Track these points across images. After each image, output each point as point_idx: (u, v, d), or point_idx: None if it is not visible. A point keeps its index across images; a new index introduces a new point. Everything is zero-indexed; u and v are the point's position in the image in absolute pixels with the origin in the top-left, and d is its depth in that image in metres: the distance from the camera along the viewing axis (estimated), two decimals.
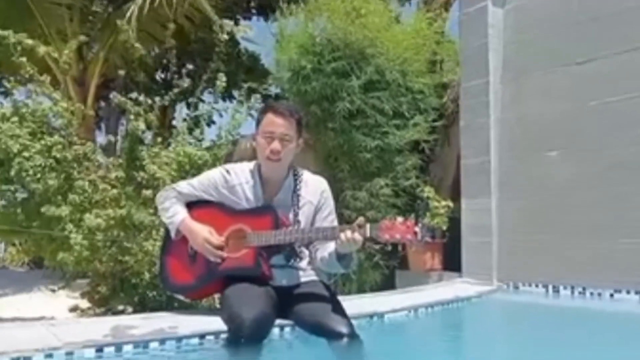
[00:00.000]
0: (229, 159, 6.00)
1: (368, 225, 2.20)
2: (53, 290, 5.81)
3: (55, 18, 7.66)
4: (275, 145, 2.42)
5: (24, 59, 5.08)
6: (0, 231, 5.13)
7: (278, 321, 2.37)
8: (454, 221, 4.78)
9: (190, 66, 11.21)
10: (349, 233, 2.18)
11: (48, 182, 4.75)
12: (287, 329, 2.38)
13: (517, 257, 4.39)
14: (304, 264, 2.53)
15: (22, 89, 5.44)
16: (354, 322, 2.53)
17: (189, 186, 2.58)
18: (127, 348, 1.97)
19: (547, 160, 4.32)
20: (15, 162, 4.71)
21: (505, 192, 4.54)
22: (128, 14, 7.01)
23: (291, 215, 2.48)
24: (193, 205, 2.56)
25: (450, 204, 4.80)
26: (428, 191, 4.85)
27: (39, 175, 4.78)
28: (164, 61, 11.60)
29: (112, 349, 1.93)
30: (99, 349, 1.90)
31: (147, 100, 5.62)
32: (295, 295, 2.43)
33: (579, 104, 4.18)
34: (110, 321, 2.37)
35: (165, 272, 2.60)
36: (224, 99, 11.80)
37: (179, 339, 2.10)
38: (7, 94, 8.68)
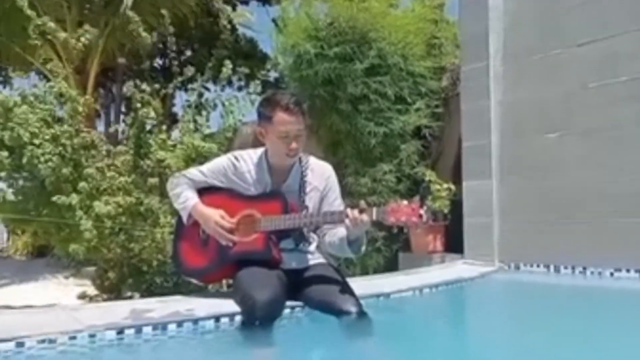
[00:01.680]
0: (230, 145, 6.07)
1: (375, 209, 2.26)
2: (66, 277, 5.87)
3: (53, 7, 7.64)
4: (294, 145, 2.47)
5: (38, 43, 5.11)
6: (11, 219, 5.18)
7: (289, 302, 2.44)
8: (456, 204, 4.84)
9: (188, 52, 11.22)
10: (356, 214, 2.25)
11: (61, 170, 4.80)
12: (297, 309, 2.45)
13: (518, 238, 4.46)
14: (312, 247, 2.60)
15: (23, 78, 5.46)
16: (362, 301, 2.61)
17: (199, 173, 2.64)
18: (147, 330, 2.04)
19: (547, 141, 4.37)
20: (27, 150, 4.75)
21: (506, 174, 4.59)
22: (125, 2, 7.00)
23: (299, 201, 2.54)
24: (204, 191, 2.62)
25: (452, 186, 4.86)
26: (429, 175, 4.91)
27: (50, 163, 4.83)
28: (162, 47, 11.64)
29: (132, 330, 2.00)
30: (120, 331, 1.97)
31: (153, 88, 5.68)
32: (305, 277, 2.50)
33: (580, 86, 4.22)
34: (128, 305, 2.44)
35: (178, 256, 2.67)
36: (222, 87, 11.86)
37: (195, 321, 2.16)
38: (5, 83, 8.70)
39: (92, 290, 5.62)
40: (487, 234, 4.60)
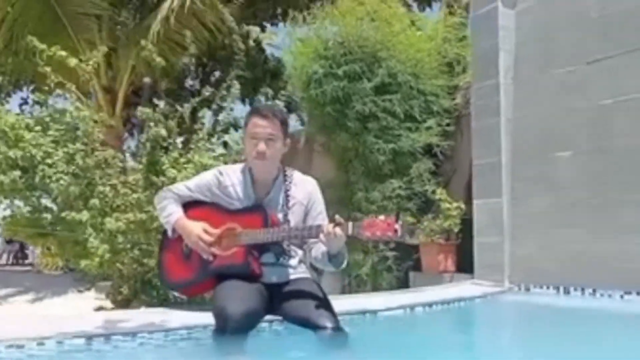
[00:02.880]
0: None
1: (350, 223, 2.26)
2: (80, 291, 6.02)
3: (84, 28, 7.94)
4: (261, 146, 2.51)
5: (48, 69, 5.32)
6: (26, 235, 5.35)
7: (268, 316, 2.46)
8: (469, 223, 4.78)
9: (217, 73, 11.45)
10: (331, 230, 2.25)
11: (70, 188, 4.95)
12: (276, 323, 2.46)
13: (528, 258, 4.37)
14: (294, 262, 2.61)
15: (44, 98, 5.65)
16: (346, 317, 2.61)
17: (185, 188, 2.69)
18: (116, 338, 2.08)
19: (558, 160, 4.30)
20: (39, 169, 4.93)
21: (516, 193, 4.52)
22: (153, 25, 7.22)
23: (281, 215, 2.56)
24: (190, 205, 2.67)
25: (462, 205, 4.80)
26: (439, 193, 4.86)
27: (61, 182, 4.99)
28: (192, 68, 11.93)
29: (101, 339, 2.04)
30: (89, 339, 2.02)
31: (169, 108, 5.80)
32: (285, 291, 2.50)
33: (590, 104, 4.14)
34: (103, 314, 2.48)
35: (162, 269, 2.72)
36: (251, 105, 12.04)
37: (167, 331, 2.19)
38: (26, 103, 8.99)
39: (108, 304, 5.73)
40: (497, 254, 4.52)
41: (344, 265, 2.46)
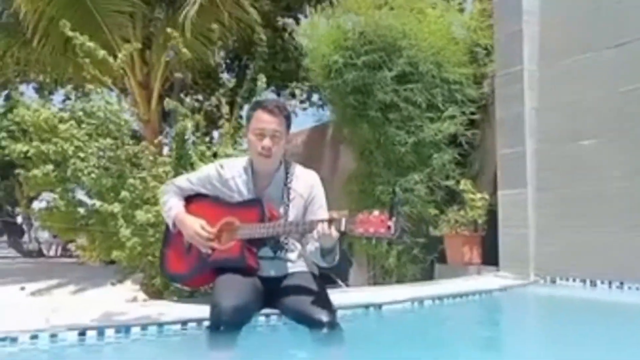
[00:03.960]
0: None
1: (343, 220, 2.23)
2: (112, 284, 6.19)
3: (118, 26, 8.11)
4: (267, 142, 2.51)
5: (87, 60, 5.46)
6: (58, 229, 5.52)
7: (265, 310, 2.47)
8: (495, 214, 4.67)
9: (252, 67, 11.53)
10: (324, 226, 2.23)
11: (101, 181, 5.08)
12: (273, 317, 2.47)
13: (554, 250, 4.23)
14: (293, 255, 2.61)
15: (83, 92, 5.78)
16: (348, 312, 2.60)
17: (187, 181, 2.73)
18: (109, 332, 2.13)
19: (584, 148, 4.14)
20: (70, 163, 5.07)
21: (541, 183, 4.39)
22: (181, 17, 7.31)
23: (281, 209, 2.56)
24: (192, 198, 2.71)
25: (487, 196, 4.69)
26: (464, 184, 4.76)
27: (92, 175, 5.12)
28: (228, 62, 12.03)
29: (94, 332, 2.09)
30: (82, 333, 2.07)
31: (196, 101, 5.88)
32: (282, 285, 2.51)
33: (618, 89, 3.97)
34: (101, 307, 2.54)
35: (163, 261, 2.77)
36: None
37: (161, 325, 2.23)
38: (69, 99, 9.29)
39: (141, 295, 5.87)
40: (522, 246, 4.40)
41: (336, 262, 2.44)
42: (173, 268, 2.71)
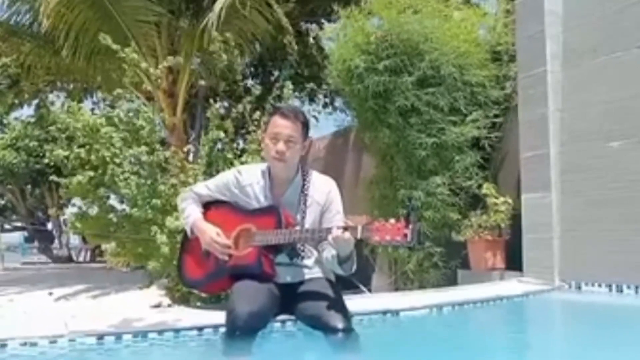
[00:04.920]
0: (304, 160, 6.16)
1: (359, 227, 2.23)
2: (140, 288, 6.27)
3: (145, 36, 8.24)
4: (280, 146, 2.52)
5: (126, 66, 5.58)
6: (90, 235, 5.62)
7: (281, 317, 2.48)
8: (518, 218, 4.60)
9: (277, 73, 11.60)
10: (339, 233, 2.23)
11: (140, 188, 5.15)
12: (289, 323, 2.47)
13: (579, 255, 4.16)
14: (310, 262, 2.60)
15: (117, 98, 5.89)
16: (365, 318, 2.59)
17: (205, 188, 2.75)
18: (127, 337, 2.15)
19: (610, 151, 4.05)
20: (109, 168, 5.18)
21: (566, 186, 4.31)
22: (204, 23, 7.41)
23: (298, 215, 2.57)
24: (210, 204, 2.73)
25: (510, 200, 4.63)
26: (486, 188, 4.70)
27: (128, 181, 5.21)
28: (252, 69, 12.11)
29: (112, 337, 2.12)
30: (100, 337, 2.10)
31: (218, 108, 5.94)
32: (298, 292, 2.51)
33: None
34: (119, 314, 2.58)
35: (181, 267, 2.79)
36: (309, 102, 12.09)
37: (177, 330, 2.25)
38: (97, 106, 9.44)
39: (167, 300, 5.94)
40: (547, 251, 4.33)
41: (353, 270, 2.43)
42: (190, 274, 2.73)
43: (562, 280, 4.19)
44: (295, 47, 7.28)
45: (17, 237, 17.72)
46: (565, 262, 4.23)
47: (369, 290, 5.90)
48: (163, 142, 7.52)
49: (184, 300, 5.63)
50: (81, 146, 5.43)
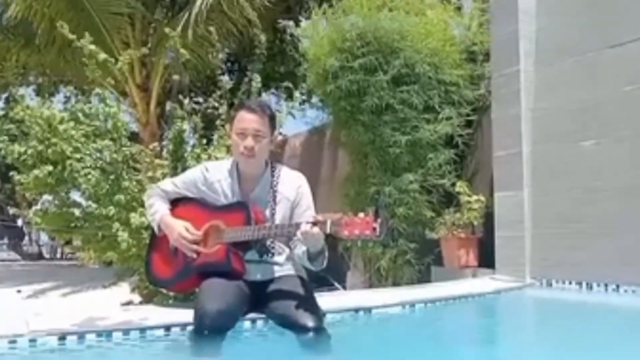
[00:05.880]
0: (277, 157, 6.12)
1: (328, 222, 2.20)
2: (104, 286, 6.17)
3: (117, 28, 8.11)
4: (248, 141, 2.47)
5: (89, 63, 5.46)
6: (52, 230, 5.51)
7: (251, 315, 2.44)
8: (492, 216, 4.63)
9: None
10: (308, 228, 2.20)
11: (100, 184, 5.05)
12: (259, 322, 2.43)
13: (550, 253, 4.19)
14: (281, 259, 2.57)
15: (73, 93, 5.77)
16: (337, 316, 2.56)
17: (172, 184, 2.70)
18: (90, 337, 2.10)
19: (581, 150, 4.10)
20: (67, 163, 5.05)
21: (538, 185, 4.34)
22: (182, 20, 7.31)
23: (268, 211, 2.53)
24: (178, 201, 2.68)
25: (482, 198, 4.65)
26: (459, 186, 4.72)
27: (89, 176, 5.10)
28: (229, 65, 12.01)
29: (74, 337, 2.06)
30: (62, 337, 2.04)
31: (192, 104, 5.85)
32: (269, 290, 2.48)
33: (614, 90, 3.93)
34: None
35: (149, 265, 2.74)
36: (285, 99, 12.04)
37: (143, 330, 2.20)
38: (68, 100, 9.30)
39: (136, 298, 5.85)
40: (518, 248, 4.35)
41: (324, 265, 2.41)
42: (159, 273, 2.68)
43: (533, 277, 4.23)
44: (263, 41, 7.20)
45: None
46: (537, 259, 4.26)
47: (344, 288, 5.90)
48: (135, 138, 7.42)
49: (151, 297, 5.55)
50: (40, 141, 5.30)
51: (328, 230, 2.19)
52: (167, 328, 2.25)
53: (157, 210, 2.62)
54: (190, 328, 2.25)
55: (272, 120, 2.55)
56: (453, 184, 4.83)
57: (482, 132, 5.12)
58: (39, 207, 5.76)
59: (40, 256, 14.29)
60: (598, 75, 4.06)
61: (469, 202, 4.68)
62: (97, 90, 5.76)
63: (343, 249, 5.38)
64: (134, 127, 9.95)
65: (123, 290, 6.79)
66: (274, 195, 2.56)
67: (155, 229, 2.65)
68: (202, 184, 2.61)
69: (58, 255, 14.13)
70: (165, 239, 2.61)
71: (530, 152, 4.39)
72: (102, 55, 5.22)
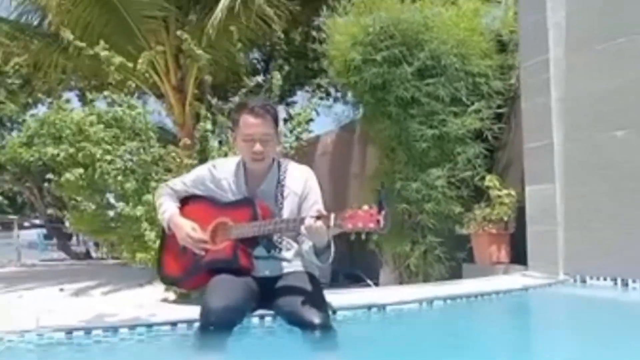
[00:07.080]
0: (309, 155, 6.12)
1: (332, 215, 2.17)
2: (141, 285, 6.28)
3: (152, 31, 8.23)
4: (257, 147, 2.45)
5: (112, 68, 5.59)
6: (87, 231, 5.66)
7: (259, 311, 2.43)
8: (524, 211, 4.48)
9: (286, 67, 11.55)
10: (312, 222, 2.17)
11: (125, 185, 5.17)
12: (268, 318, 2.42)
13: (585, 248, 4.02)
14: (289, 254, 2.54)
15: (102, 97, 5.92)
16: (349, 313, 2.52)
17: (181, 183, 2.72)
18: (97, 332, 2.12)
19: (616, 140, 3.91)
20: (97, 166, 5.19)
21: (570, 177, 4.17)
22: (210, 23, 7.38)
23: (275, 206, 2.51)
24: (188, 199, 2.70)
25: (513, 192, 4.51)
26: (489, 180, 4.59)
27: (119, 178, 5.22)
28: (262, 64, 12.07)
29: (81, 332, 2.09)
30: (69, 332, 2.07)
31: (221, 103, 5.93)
32: (277, 286, 2.46)
33: None
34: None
35: (160, 263, 2.76)
36: (321, 98, 12.05)
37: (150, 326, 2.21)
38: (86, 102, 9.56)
39: (171, 296, 5.94)
40: (551, 244, 4.20)
41: (330, 261, 2.37)
42: (169, 270, 2.70)
43: (567, 273, 4.07)
44: (282, 36, 7.18)
45: (37, 234, 17.96)
46: (570, 255, 4.10)
47: (376, 285, 5.84)
48: (174, 140, 7.53)
49: (186, 295, 5.63)
50: (71, 144, 5.45)
51: (332, 224, 2.16)
52: (174, 324, 2.25)
53: (166, 209, 2.64)
54: (196, 324, 2.25)
55: (275, 120, 2.53)
56: (483, 178, 4.69)
57: (514, 124, 4.97)
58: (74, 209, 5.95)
59: (87, 256, 14.71)
60: (629, 62, 3.86)
61: (499, 196, 4.54)
62: (105, 93, 5.91)
63: (375, 245, 5.31)
64: (174, 129, 10.14)
65: (160, 289, 6.92)
66: (281, 190, 2.54)
67: (165, 228, 2.66)
68: (209, 181, 2.61)
69: (104, 255, 14.51)
70: (175, 237, 2.62)
71: (562, 144, 4.22)
72: (118, 60, 5.35)
